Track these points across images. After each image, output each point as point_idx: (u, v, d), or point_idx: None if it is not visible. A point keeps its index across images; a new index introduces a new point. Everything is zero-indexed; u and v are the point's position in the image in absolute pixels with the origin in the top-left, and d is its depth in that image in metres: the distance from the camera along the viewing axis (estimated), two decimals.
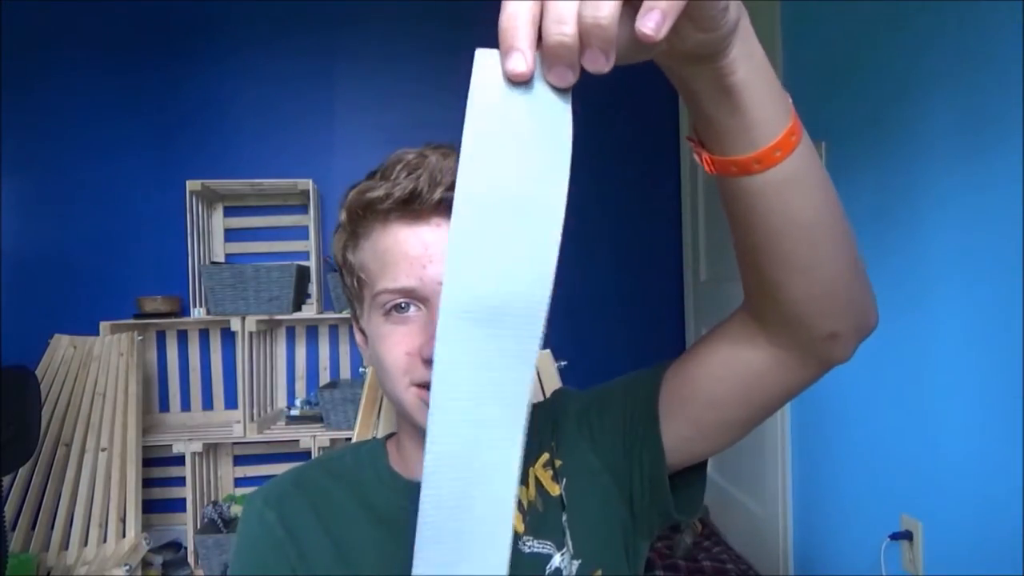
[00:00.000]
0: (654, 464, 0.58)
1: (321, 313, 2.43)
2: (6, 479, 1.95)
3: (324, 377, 2.60)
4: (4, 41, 2.42)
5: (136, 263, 2.50)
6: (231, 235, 2.57)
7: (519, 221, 0.33)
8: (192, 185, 2.32)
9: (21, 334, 2.34)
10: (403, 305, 0.57)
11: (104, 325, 2.27)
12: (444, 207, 0.56)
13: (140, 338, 2.27)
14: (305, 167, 2.49)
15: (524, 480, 0.63)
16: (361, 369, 2.32)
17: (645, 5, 0.30)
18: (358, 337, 0.67)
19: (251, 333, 2.28)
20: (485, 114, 0.33)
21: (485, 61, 0.33)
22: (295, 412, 2.42)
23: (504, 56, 0.32)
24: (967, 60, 1.22)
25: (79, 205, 2.48)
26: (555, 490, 0.62)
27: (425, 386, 0.55)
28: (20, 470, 2.00)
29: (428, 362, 0.53)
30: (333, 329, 2.61)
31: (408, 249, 0.56)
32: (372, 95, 2.62)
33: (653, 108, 2.71)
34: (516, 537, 0.60)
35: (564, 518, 0.61)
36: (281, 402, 2.58)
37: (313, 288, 2.46)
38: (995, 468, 1.16)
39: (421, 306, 0.57)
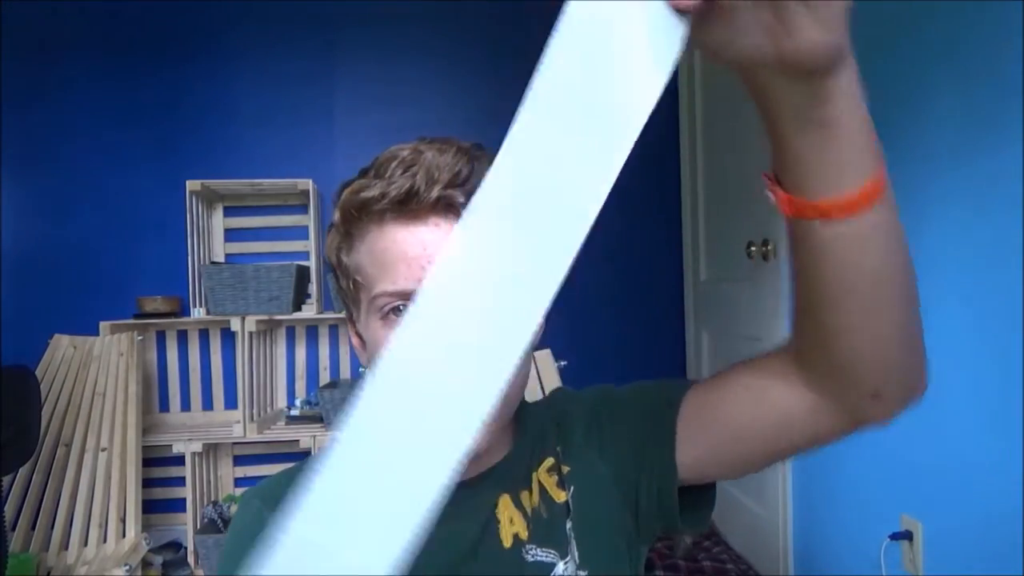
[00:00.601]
0: (664, 479, 0.58)
1: (321, 313, 2.43)
2: (6, 479, 1.95)
3: (324, 377, 2.60)
4: (5, 42, 2.42)
5: (136, 263, 2.50)
6: (231, 235, 2.57)
7: (591, 125, 0.31)
8: (192, 185, 2.32)
9: (21, 334, 2.34)
10: (402, 308, 0.54)
11: (104, 325, 2.27)
12: (442, 206, 0.54)
13: (140, 338, 2.27)
14: (305, 167, 2.49)
15: (528, 485, 0.63)
16: (361, 369, 2.32)
17: None
18: (354, 340, 0.65)
19: (251, 333, 2.28)
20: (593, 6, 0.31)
21: None
22: (295, 412, 2.42)
23: None
24: (967, 60, 1.22)
25: (79, 205, 2.48)
26: (560, 496, 0.61)
27: None
28: (20, 470, 2.00)
29: None
30: (333, 329, 2.61)
31: (406, 250, 0.54)
32: (372, 95, 2.62)
33: (654, 107, 2.71)
34: (520, 545, 0.60)
35: (569, 526, 0.60)
36: (281, 402, 2.58)
37: (313, 288, 2.46)
38: (995, 468, 1.16)
39: None
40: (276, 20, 2.57)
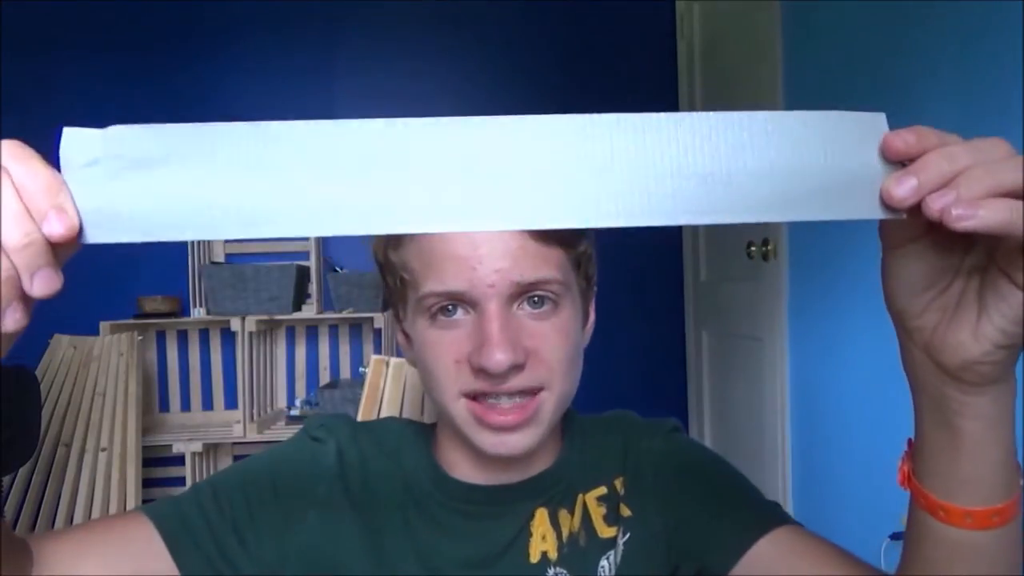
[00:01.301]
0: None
1: (321, 313, 2.43)
2: (6, 479, 1.95)
3: (324, 377, 2.60)
4: (5, 42, 2.42)
5: (136, 263, 2.50)
6: None
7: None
8: None
9: (21, 334, 2.34)
10: (450, 308, 0.53)
11: (104, 325, 2.27)
12: None
13: (140, 338, 2.27)
14: None
15: (570, 506, 0.60)
16: (361, 369, 2.32)
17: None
18: (400, 339, 0.63)
19: (251, 333, 2.28)
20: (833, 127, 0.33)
21: (876, 121, 0.34)
22: (295, 412, 2.42)
23: (898, 175, 0.32)
24: (967, 60, 1.22)
25: None
26: (606, 532, 0.59)
27: (474, 396, 0.53)
28: (20, 470, 2.00)
29: (478, 371, 0.51)
30: (333, 329, 2.61)
31: (456, 249, 0.52)
32: (372, 95, 2.61)
33: (654, 106, 2.70)
34: (546, 564, 0.58)
35: (604, 565, 0.58)
36: (281, 402, 2.58)
37: (313, 288, 2.46)
38: None
39: (470, 309, 0.53)
40: (276, 20, 2.57)
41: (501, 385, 0.52)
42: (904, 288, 0.35)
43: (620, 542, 0.58)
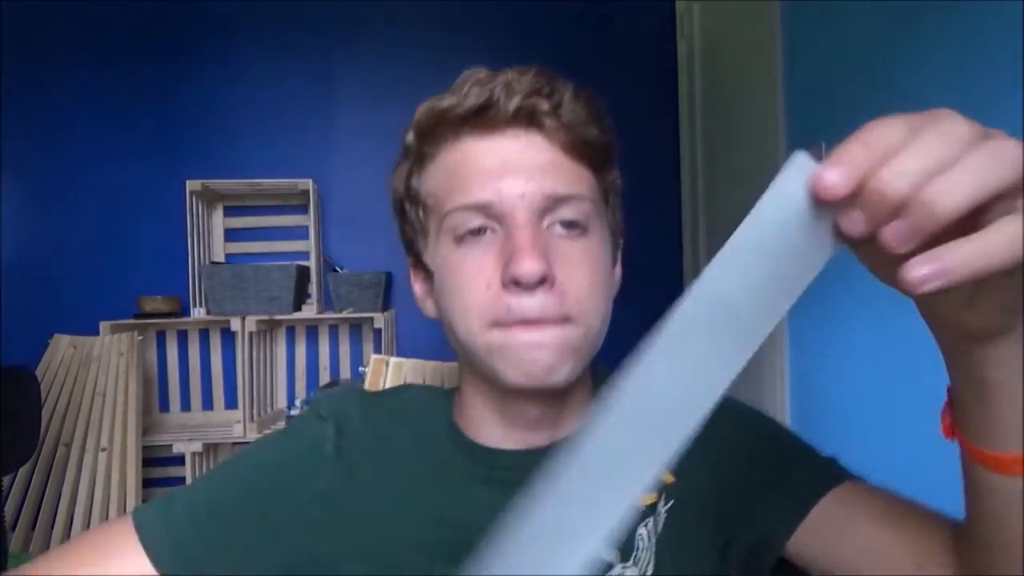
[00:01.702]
0: (767, 549, 0.53)
1: (321, 313, 2.43)
2: (6, 479, 1.95)
3: (324, 377, 2.60)
4: (5, 42, 2.42)
5: (136, 263, 2.50)
6: (231, 235, 2.57)
7: (724, 332, 0.31)
8: (192, 185, 2.32)
9: (21, 334, 2.34)
10: (478, 230, 0.50)
11: (104, 325, 2.27)
12: (523, 116, 0.50)
13: (140, 338, 2.27)
14: (305, 167, 2.49)
15: None
16: (361, 369, 2.32)
17: (928, 254, 0.26)
18: (416, 289, 0.59)
19: (251, 333, 2.28)
20: (766, 218, 0.30)
21: (800, 166, 0.29)
22: (295, 412, 2.42)
23: (830, 164, 0.27)
24: (968, 60, 1.22)
25: (79, 205, 2.48)
26: (643, 499, 0.55)
27: (508, 325, 0.49)
28: (20, 470, 2.00)
29: (508, 283, 0.48)
30: (333, 329, 2.61)
31: (482, 163, 0.50)
32: (372, 95, 2.61)
33: (654, 106, 2.71)
34: None
35: (642, 534, 0.54)
36: (281, 402, 2.58)
37: (313, 288, 2.46)
38: None
39: (497, 227, 0.50)
40: (276, 20, 2.57)
41: (531, 298, 0.48)
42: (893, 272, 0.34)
43: (662, 509, 0.55)
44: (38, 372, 2.11)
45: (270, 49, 2.57)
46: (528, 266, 0.46)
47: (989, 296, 0.31)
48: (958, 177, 0.25)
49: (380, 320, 2.36)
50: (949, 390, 0.39)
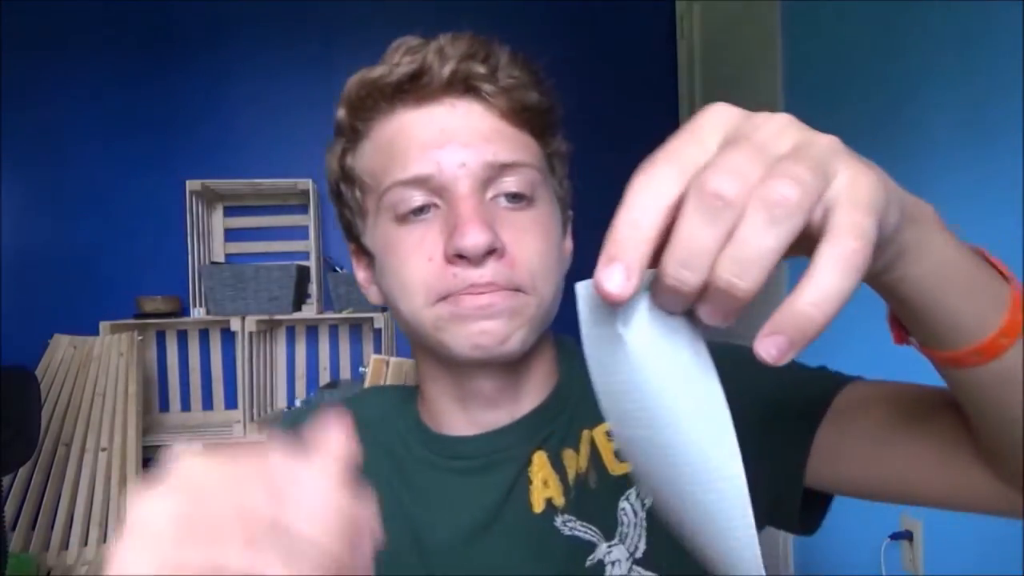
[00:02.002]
0: (789, 486, 0.49)
1: (321, 313, 2.43)
2: (6, 479, 1.95)
3: (324, 377, 2.60)
4: (5, 41, 2.42)
5: (136, 263, 2.50)
6: (231, 235, 2.57)
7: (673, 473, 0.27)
8: (192, 185, 2.32)
9: (21, 334, 2.34)
10: (420, 209, 0.47)
11: (104, 325, 2.27)
12: (458, 82, 0.47)
13: (140, 338, 2.27)
14: (305, 167, 2.49)
15: (575, 444, 0.52)
16: (361, 369, 2.32)
17: (771, 330, 0.23)
18: (359, 275, 0.57)
19: (251, 333, 2.28)
20: (597, 347, 0.27)
21: (584, 294, 0.27)
22: None
23: (602, 267, 0.23)
24: (967, 60, 1.22)
25: (79, 205, 2.48)
26: (619, 469, 0.51)
27: (456, 295, 0.46)
28: (20, 470, 2.00)
29: (453, 258, 0.45)
30: (333, 329, 2.61)
31: (418, 133, 0.47)
32: None
33: (654, 105, 2.71)
34: (553, 512, 0.51)
35: (625, 508, 0.50)
36: (281, 402, 2.57)
37: (313, 288, 2.46)
38: None
39: (439, 202, 0.47)
40: (276, 20, 2.57)
41: (478, 269, 0.45)
42: None
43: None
44: (38, 372, 2.11)
45: (270, 48, 2.57)
46: (473, 237, 0.44)
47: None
48: (746, 252, 0.22)
49: (380, 320, 2.36)
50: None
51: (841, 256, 0.23)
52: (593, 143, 2.63)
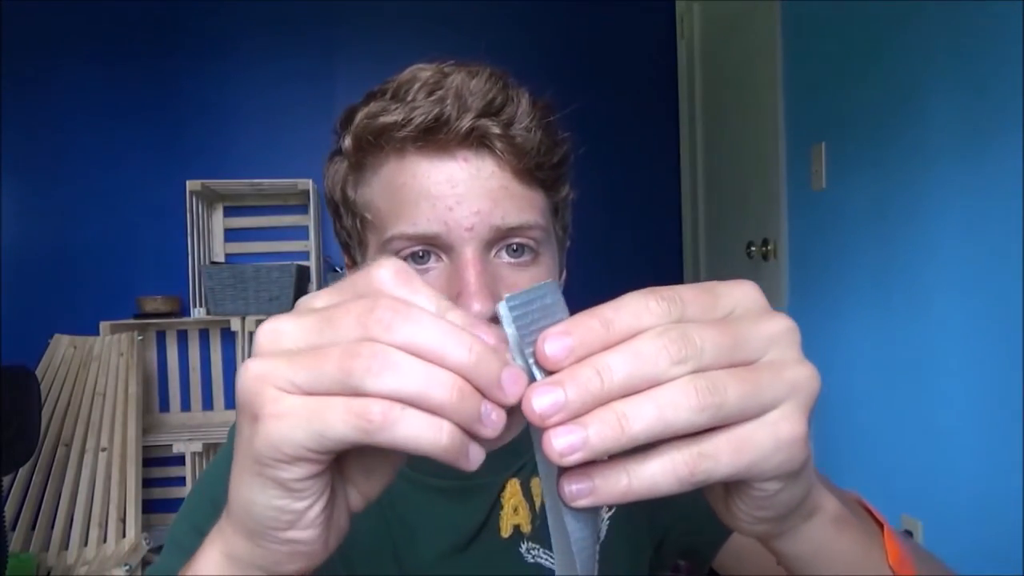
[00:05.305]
0: (707, 541, 0.55)
1: None
2: (6, 479, 1.95)
3: None
4: (5, 42, 2.42)
5: (136, 263, 2.50)
6: (231, 235, 2.57)
7: None
8: (192, 185, 2.32)
9: (21, 334, 2.34)
10: (422, 255, 0.47)
11: (104, 325, 2.27)
12: (474, 138, 0.46)
13: (140, 338, 2.27)
14: (305, 167, 2.49)
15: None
16: None
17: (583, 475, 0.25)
18: None
19: (251, 333, 2.28)
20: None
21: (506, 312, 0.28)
22: None
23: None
24: (967, 60, 1.22)
25: (79, 205, 2.48)
26: None
27: None
28: (20, 470, 2.00)
29: None
30: None
31: (430, 187, 0.46)
32: None
33: (654, 105, 2.71)
34: (519, 538, 0.54)
35: None
36: None
37: (313, 288, 2.46)
38: (995, 468, 1.16)
39: (443, 256, 0.47)
40: (276, 20, 2.57)
41: None
42: None
43: (604, 515, 0.54)
44: (38, 372, 2.11)
45: (270, 49, 2.57)
46: (476, 310, 0.44)
47: (740, 506, 0.29)
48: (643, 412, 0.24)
49: None
50: None
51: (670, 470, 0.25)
52: (593, 143, 2.63)
